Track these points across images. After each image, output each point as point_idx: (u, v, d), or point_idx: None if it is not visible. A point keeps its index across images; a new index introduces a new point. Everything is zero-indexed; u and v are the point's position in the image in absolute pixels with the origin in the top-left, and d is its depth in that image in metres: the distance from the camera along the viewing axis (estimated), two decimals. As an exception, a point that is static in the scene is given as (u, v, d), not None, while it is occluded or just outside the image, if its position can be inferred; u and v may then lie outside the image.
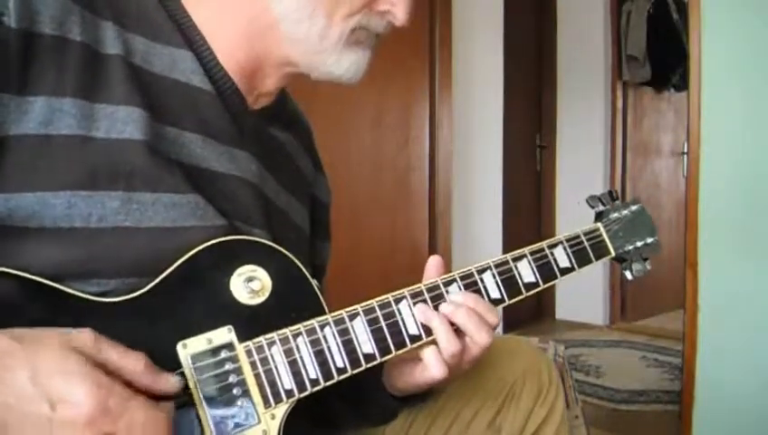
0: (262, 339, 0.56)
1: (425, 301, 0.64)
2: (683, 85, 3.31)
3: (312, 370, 0.57)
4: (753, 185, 1.67)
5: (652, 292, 3.60)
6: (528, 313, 3.63)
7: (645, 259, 0.81)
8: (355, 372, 0.60)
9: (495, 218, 2.79)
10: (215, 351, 0.54)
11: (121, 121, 0.55)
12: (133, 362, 0.46)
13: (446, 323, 0.63)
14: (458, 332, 0.63)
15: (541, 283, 0.71)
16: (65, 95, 0.52)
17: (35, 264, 0.50)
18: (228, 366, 0.54)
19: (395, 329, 0.62)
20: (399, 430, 0.79)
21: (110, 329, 0.51)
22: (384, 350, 0.61)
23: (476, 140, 2.67)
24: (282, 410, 0.56)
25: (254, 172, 0.67)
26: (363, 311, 0.61)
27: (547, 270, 0.71)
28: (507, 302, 0.68)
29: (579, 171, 3.67)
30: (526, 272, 0.70)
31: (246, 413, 0.54)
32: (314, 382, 0.57)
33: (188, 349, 0.53)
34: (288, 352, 0.57)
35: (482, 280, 0.67)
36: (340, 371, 0.59)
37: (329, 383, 0.58)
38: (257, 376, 0.55)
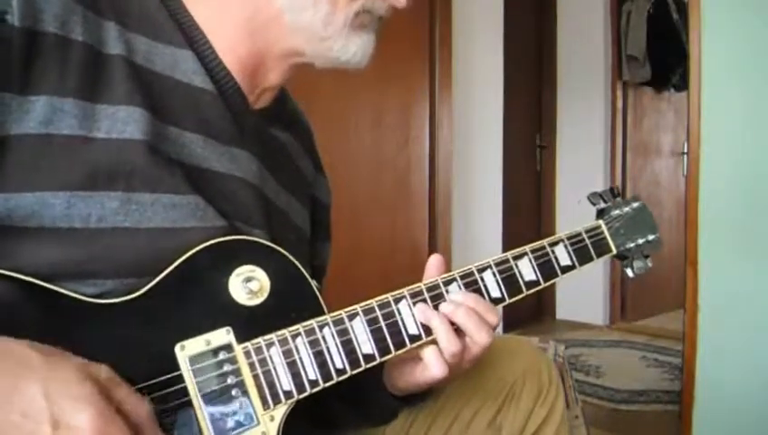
0: (260, 340, 0.56)
1: (424, 300, 0.64)
2: (683, 85, 3.31)
3: (311, 371, 0.57)
4: (753, 185, 1.67)
5: (652, 292, 3.60)
6: (528, 312, 3.63)
7: (646, 256, 0.81)
8: (354, 372, 0.59)
9: (495, 218, 2.79)
10: (213, 352, 0.54)
11: (122, 122, 0.55)
12: (141, 406, 0.46)
13: (447, 322, 0.63)
14: (458, 331, 0.63)
15: (542, 281, 0.70)
16: (67, 95, 0.52)
17: (34, 264, 0.50)
18: (227, 368, 0.54)
19: (394, 329, 0.62)
20: (399, 430, 0.79)
21: (109, 330, 0.51)
22: (383, 350, 0.61)
23: (476, 140, 2.67)
24: (281, 412, 0.56)
25: (255, 172, 0.67)
26: (362, 311, 0.61)
27: (548, 268, 0.71)
28: (508, 301, 0.68)
29: (579, 171, 3.67)
30: (527, 270, 0.70)
31: (245, 415, 0.54)
32: (313, 383, 0.57)
33: (187, 350, 0.53)
34: (287, 354, 0.57)
35: (482, 279, 0.67)
36: (340, 371, 0.58)
37: (328, 384, 0.58)
38: (256, 377, 0.55)
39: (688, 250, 1.76)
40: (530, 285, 0.70)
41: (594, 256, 0.76)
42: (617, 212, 0.80)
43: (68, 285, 0.51)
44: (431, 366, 0.63)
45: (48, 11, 0.52)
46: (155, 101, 0.58)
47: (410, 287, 0.64)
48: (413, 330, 0.63)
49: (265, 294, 0.58)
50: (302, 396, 0.57)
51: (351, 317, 0.60)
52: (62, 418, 0.41)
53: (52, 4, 0.53)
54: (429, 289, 0.65)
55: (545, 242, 0.72)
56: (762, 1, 1.64)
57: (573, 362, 2.83)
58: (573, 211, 3.49)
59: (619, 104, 3.57)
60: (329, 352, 0.58)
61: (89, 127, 0.53)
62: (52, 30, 0.52)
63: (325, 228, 0.85)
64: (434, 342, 0.63)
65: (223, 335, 0.55)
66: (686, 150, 1.81)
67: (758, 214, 1.67)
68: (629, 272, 0.80)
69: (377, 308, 0.62)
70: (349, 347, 0.59)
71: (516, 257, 0.70)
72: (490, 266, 0.68)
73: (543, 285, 0.71)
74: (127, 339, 0.51)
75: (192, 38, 0.63)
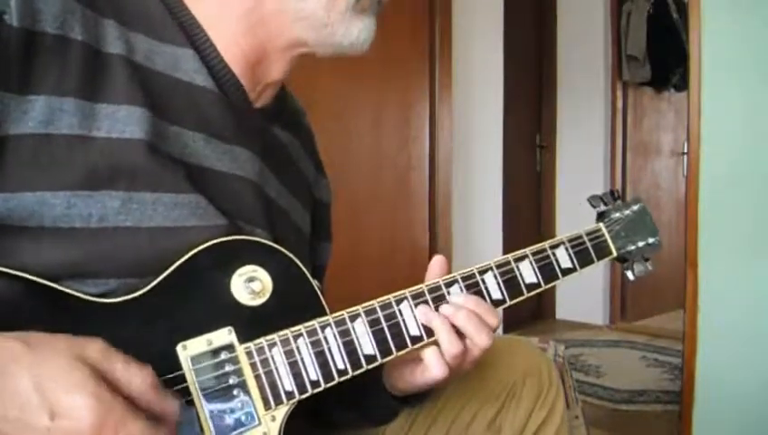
0: (262, 340, 0.56)
1: (426, 302, 0.64)
2: (683, 85, 3.32)
3: (312, 371, 0.57)
4: (752, 185, 1.67)
5: (652, 292, 3.60)
6: (528, 313, 3.63)
7: (646, 259, 0.81)
8: (356, 373, 0.59)
9: (495, 218, 2.79)
10: (215, 352, 0.54)
11: (122, 121, 0.54)
12: (139, 378, 0.45)
13: (448, 324, 0.63)
14: (459, 333, 0.63)
15: (542, 283, 0.70)
16: (66, 95, 0.52)
17: (34, 264, 0.50)
18: (229, 368, 0.54)
19: (396, 330, 0.62)
20: (399, 430, 0.79)
21: (110, 330, 0.51)
22: (385, 351, 0.61)
23: (476, 139, 2.67)
24: (282, 412, 0.56)
25: (256, 172, 0.67)
26: (364, 312, 0.61)
27: (549, 270, 0.71)
28: (509, 302, 0.68)
29: (579, 171, 3.67)
30: (528, 272, 0.70)
31: (246, 415, 0.54)
32: (315, 384, 0.57)
33: (188, 350, 0.53)
34: (289, 354, 0.57)
35: (483, 280, 0.67)
36: (341, 372, 0.58)
37: (329, 385, 0.58)
38: (258, 377, 0.55)
39: (688, 250, 1.76)
40: (531, 287, 0.70)
41: (595, 259, 0.76)
42: (617, 215, 0.80)
43: (69, 284, 0.51)
44: (432, 367, 0.63)
45: (47, 11, 0.52)
46: (156, 100, 0.58)
47: (412, 288, 0.64)
48: (414, 331, 0.63)
49: (267, 295, 0.58)
50: (303, 396, 0.57)
51: (353, 318, 0.60)
52: (58, 407, 0.40)
53: (51, 4, 0.53)
54: (431, 290, 0.65)
55: (546, 244, 0.72)
56: (762, 1, 1.64)
57: (573, 362, 2.83)
58: (573, 211, 3.49)
59: (619, 104, 3.58)
60: (330, 352, 0.58)
61: (89, 126, 0.53)
62: (51, 30, 0.52)
63: (326, 229, 0.85)
64: (435, 343, 0.63)
65: (225, 335, 0.55)
66: (686, 150, 1.81)
67: (758, 214, 1.67)
68: (630, 275, 0.80)
69: (378, 309, 0.62)
70: (350, 348, 0.59)
71: (517, 259, 0.70)
72: (491, 268, 0.68)
73: (544, 287, 0.71)
74: (128, 339, 0.51)
75: (193, 36, 0.63)
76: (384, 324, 0.61)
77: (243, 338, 0.56)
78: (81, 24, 0.54)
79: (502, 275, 0.68)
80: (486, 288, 0.67)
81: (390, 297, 0.63)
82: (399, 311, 0.63)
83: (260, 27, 0.65)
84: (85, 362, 0.43)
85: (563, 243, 0.73)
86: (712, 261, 1.73)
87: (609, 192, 0.82)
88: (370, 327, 0.61)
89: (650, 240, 0.81)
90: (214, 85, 0.63)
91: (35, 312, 0.49)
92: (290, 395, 0.56)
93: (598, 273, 3.54)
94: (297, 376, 0.57)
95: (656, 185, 3.79)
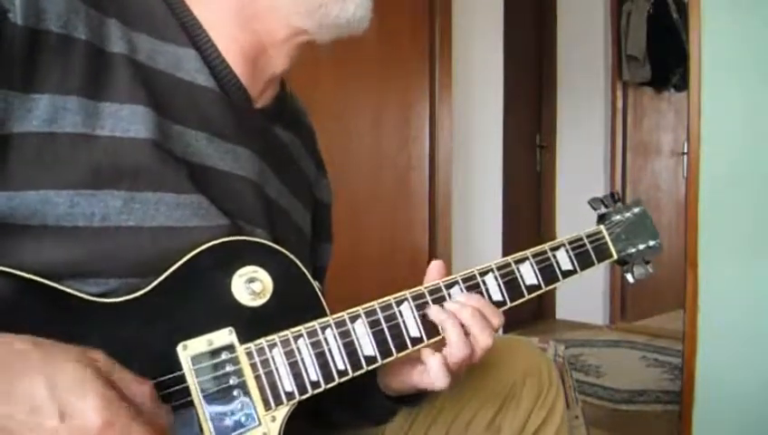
0: (263, 341, 0.56)
1: (426, 303, 0.64)
2: (683, 85, 3.32)
3: (312, 372, 0.57)
4: (752, 185, 1.67)
5: (652, 292, 3.60)
6: (528, 313, 3.63)
7: (647, 262, 0.81)
8: (356, 374, 0.59)
9: (495, 218, 2.79)
10: (215, 352, 0.54)
11: (126, 120, 0.55)
12: (141, 388, 0.46)
13: (459, 325, 0.63)
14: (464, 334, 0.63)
15: (543, 285, 0.71)
16: (70, 93, 0.52)
17: (36, 262, 0.50)
18: (229, 368, 0.54)
19: (396, 331, 0.62)
20: (399, 430, 0.79)
21: (111, 329, 0.51)
22: (385, 352, 0.61)
23: (476, 139, 2.67)
24: (282, 413, 0.56)
25: (257, 171, 0.67)
26: (365, 313, 0.61)
27: (549, 272, 0.71)
28: (509, 304, 0.68)
29: (579, 171, 3.67)
30: (528, 274, 0.70)
31: (247, 415, 0.54)
32: (315, 385, 0.57)
33: (189, 350, 0.53)
34: (289, 354, 0.57)
35: (484, 282, 0.67)
36: (341, 373, 0.59)
37: (330, 385, 0.58)
38: (258, 378, 0.55)
39: (688, 250, 1.76)
40: (531, 288, 0.70)
41: (595, 261, 0.76)
42: (618, 217, 0.80)
43: (71, 283, 0.51)
44: (435, 379, 0.63)
45: (50, 9, 0.52)
46: (158, 99, 0.58)
47: (412, 290, 0.64)
48: (415, 332, 0.63)
49: (268, 295, 0.58)
50: (303, 397, 0.57)
51: (353, 319, 0.60)
52: (68, 408, 0.41)
53: (55, 3, 0.53)
54: (431, 292, 0.65)
55: (546, 246, 0.72)
56: (762, 1, 1.64)
57: (573, 362, 2.83)
58: (573, 211, 3.49)
59: (619, 104, 3.58)
60: (331, 353, 0.58)
61: (92, 125, 0.53)
62: (55, 29, 0.52)
63: (326, 229, 0.85)
64: (435, 345, 0.63)
65: (225, 336, 0.55)
66: (686, 150, 1.81)
67: (758, 214, 1.67)
68: (630, 278, 0.80)
69: (379, 310, 0.62)
70: (350, 349, 0.59)
71: (518, 261, 0.70)
72: (492, 270, 0.68)
73: (545, 289, 0.71)
74: (129, 338, 0.51)
75: (194, 36, 0.63)
76: (384, 325, 0.61)
77: (243, 339, 0.56)
78: (85, 24, 0.54)
79: (502, 276, 0.68)
80: (487, 290, 0.67)
81: (391, 298, 0.63)
82: (400, 312, 0.63)
83: (256, 21, 0.65)
84: (94, 367, 0.43)
85: (564, 245, 0.74)
86: (712, 261, 1.73)
87: (609, 194, 0.82)
88: (371, 328, 0.61)
89: (651, 243, 0.81)
90: (215, 85, 0.63)
91: (36, 311, 0.49)
92: (290, 396, 0.56)
93: (598, 273, 3.54)
94: (297, 377, 0.57)
95: (656, 185, 3.79)
